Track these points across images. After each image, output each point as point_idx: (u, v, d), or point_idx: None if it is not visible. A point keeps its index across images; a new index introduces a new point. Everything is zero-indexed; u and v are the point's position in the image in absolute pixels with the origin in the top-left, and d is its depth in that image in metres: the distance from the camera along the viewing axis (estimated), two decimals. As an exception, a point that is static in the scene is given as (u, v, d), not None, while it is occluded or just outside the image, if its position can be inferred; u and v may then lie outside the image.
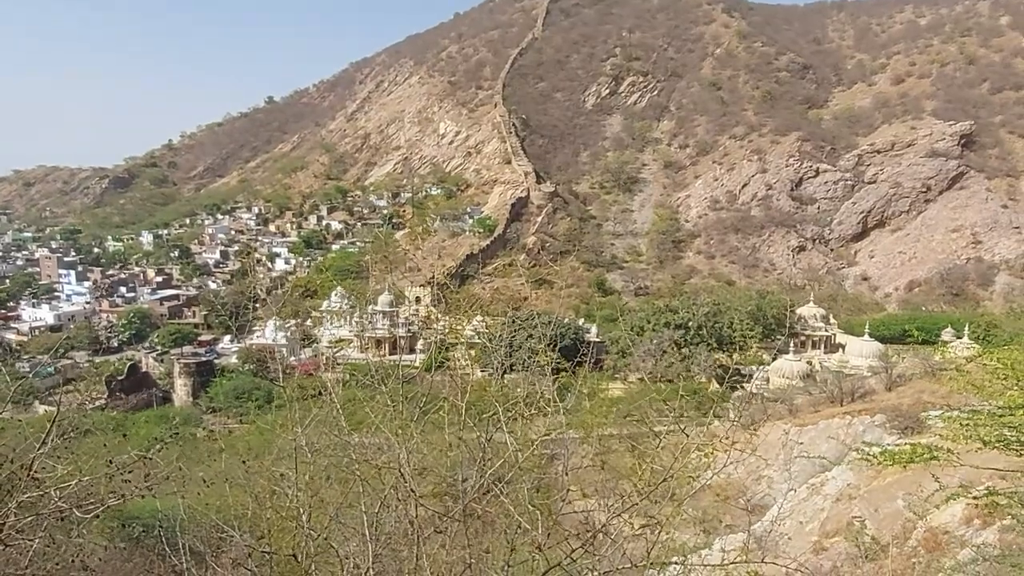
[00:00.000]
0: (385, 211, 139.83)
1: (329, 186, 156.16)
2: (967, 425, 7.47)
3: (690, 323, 69.02)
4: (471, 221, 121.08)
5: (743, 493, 36.67)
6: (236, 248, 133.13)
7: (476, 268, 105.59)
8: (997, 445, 7.14)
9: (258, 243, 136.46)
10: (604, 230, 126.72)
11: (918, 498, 18.38)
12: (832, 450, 33.65)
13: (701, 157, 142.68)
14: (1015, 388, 7.20)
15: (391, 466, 4.24)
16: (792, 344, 70.06)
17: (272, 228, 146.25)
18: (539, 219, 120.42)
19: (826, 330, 76.18)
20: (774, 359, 65.33)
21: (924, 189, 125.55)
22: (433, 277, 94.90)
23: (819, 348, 73.22)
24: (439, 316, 75.45)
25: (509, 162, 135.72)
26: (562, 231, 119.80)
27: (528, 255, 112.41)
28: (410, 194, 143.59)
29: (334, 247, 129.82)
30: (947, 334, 62.78)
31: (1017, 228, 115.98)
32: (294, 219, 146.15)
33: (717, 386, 60.57)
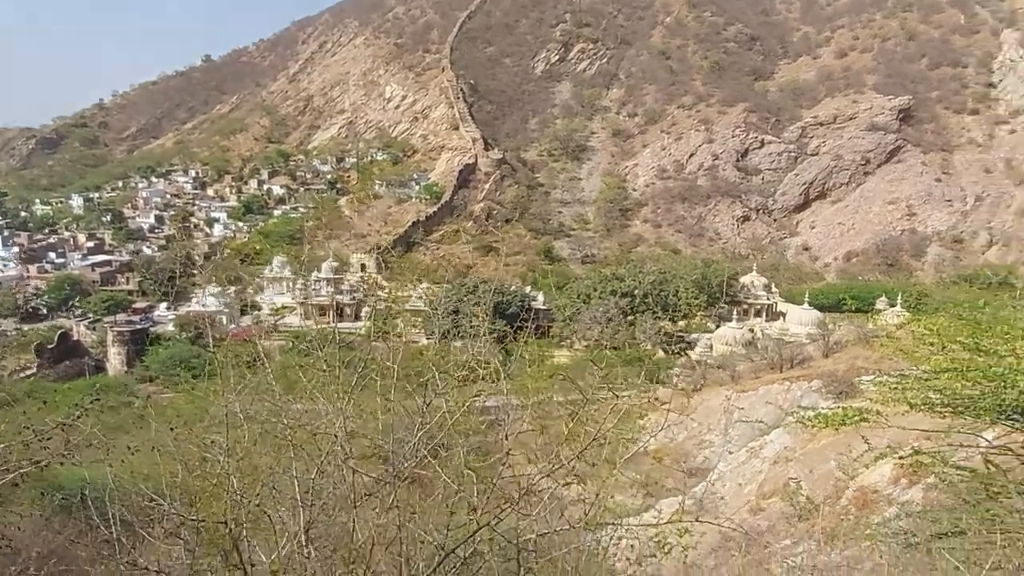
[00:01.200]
0: (329, 176, 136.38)
1: (270, 150, 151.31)
2: (895, 389, 7.50)
3: (636, 291, 69.53)
4: (417, 187, 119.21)
5: (685, 457, 37.27)
6: (172, 213, 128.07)
7: (422, 235, 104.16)
8: (923, 408, 7.22)
9: (195, 207, 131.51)
10: (552, 198, 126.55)
11: (849, 459, 18.81)
12: (771, 415, 34.37)
13: (649, 126, 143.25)
14: (940, 353, 7.13)
15: (326, 431, 3.93)
16: (735, 312, 71.49)
17: (210, 192, 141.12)
18: (487, 186, 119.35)
19: (768, 298, 77.90)
20: (718, 327, 66.51)
21: (864, 162, 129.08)
22: (378, 244, 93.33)
23: (761, 316, 74.89)
24: (384, 283, 74.25)
25: (457, 128, 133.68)
26: (510, 198, 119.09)
27: (475, 222, 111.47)
28: (355, 159, 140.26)
29: (276, 212, 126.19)
30: (881, 303, 64.89)
31: (949, 201, 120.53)
32: (233, 183, 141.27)
33: (662, 353, 61.36)
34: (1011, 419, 7.01)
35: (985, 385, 6.38)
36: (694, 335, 67.64)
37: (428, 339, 46.65)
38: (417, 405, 3.93)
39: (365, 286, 76.38)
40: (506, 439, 3.63)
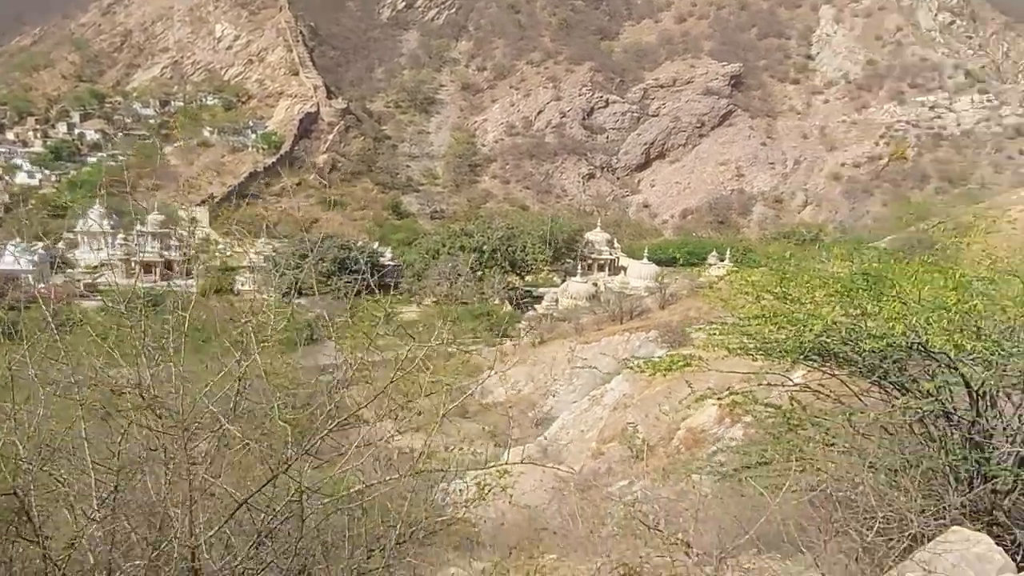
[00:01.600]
0: (152, 121, 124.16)
1: (82, 89, 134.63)
2: (714, 336, 7.89)
3: (485, 247, 70.22)
4: (254, 136, 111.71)
5: (532, 407, 38.68)
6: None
7: (261, 187, 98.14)
8: (739, 352, 7.71)
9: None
10: (400, 151, 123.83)
11: (674, 404, 20.39)
12: (612, 365, 36.31)
13: (499, 81, 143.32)
14: (753, 302, 7.71)
15: (135, 394, 3.50)
16: (580, 267, 74.34)
17: (10, 136, 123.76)
18: (330, 137, 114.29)
19: (611, 254, 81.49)
20: (563, 281, 68.92)
21: (699, 124, 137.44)
22: (211, 196, 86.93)
23: (604, 271, 78.31)
24: (218, 238, 69.56)
25: (296, 74, 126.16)
26: (355, 151, 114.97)
27: (319, 175, 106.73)
28: (182, 103, 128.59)
29: (91, 160, 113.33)
30: (712, 258, 70.08)
31: (772, 164, 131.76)
32: (38, 126, 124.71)
33: (510, 307, 62.78)
34: (810, 360, 7.69)
35: (788, 330, 6.95)
36: (541, 289, 69.75)
37: (268, 297, 44.39)
38: (241, 365, 3.65)
39: (197, 241, 71.10)
40: (330, 394, 3.43)
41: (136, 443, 3.59)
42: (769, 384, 8.35)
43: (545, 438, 30.65)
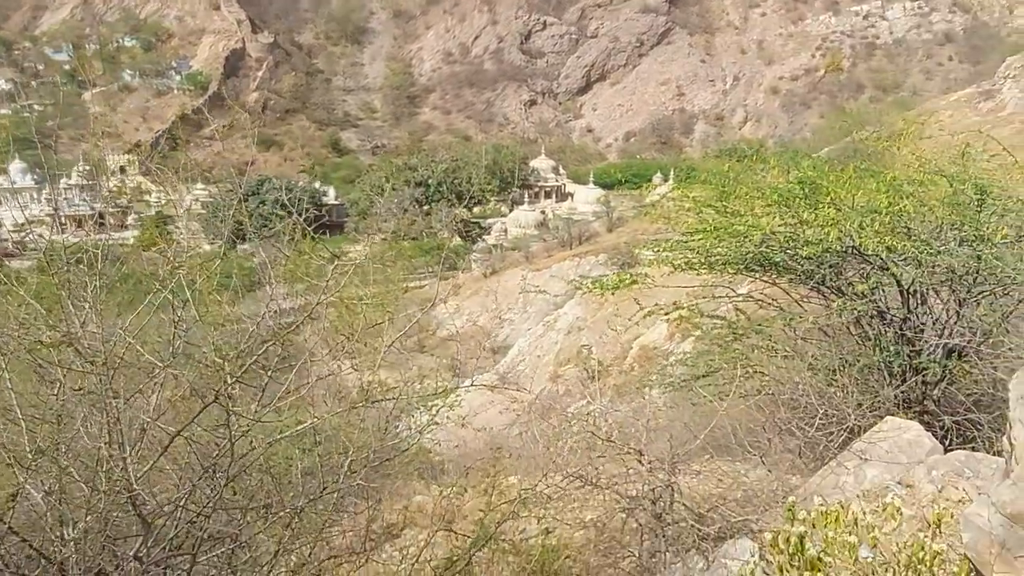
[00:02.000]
0: (67, 67, 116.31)
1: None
2: (659, 252, 8.05)
3: (430, 180, 69.18)
4: (179, 77, 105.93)
5: (488, 336, 39.15)
6: None
7: (191, 131, 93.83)
8: (684, 268, 7.80)
9: None
10: (334, 85, 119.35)
11: (628, 321, 20.85)
12: (564, 290, 36.78)
13: (431, 7, 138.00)
14: (694, 218, 7.81)
15: (64, 343, 3.37)
16: (527, 195, 74.10)
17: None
18: (259, 74, 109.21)
19: (557, 180, 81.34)
20: (511, 211, 68.71)
21: (638, 44, 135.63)
22: (139, 143, 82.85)
23: (551, 198, 78.28)
24: (151, 187, 66.71)
25: (217, 8, 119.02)
26: (287, 87, 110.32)
27: (251, 114, 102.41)
28: (97, 46, 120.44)
29: (2, 111, 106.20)
30: (657, 178, 70.54)
31: (712, 81, 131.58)
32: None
33: (460, 240, 62.50)
34: (752, 270, 7.88)
35: (730, 242, 7.09)
36: (489, 220, 69.41)
37: (210, 245, 43.18)
38: (179, 315, 3.55)
39: (128, 191, 68.14)
40: (275, 334, 3.37)
41: (72, 393, 3.50)
42: (715, 297, 8.58)
43: (503, 365, 31.18)
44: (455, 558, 3.51)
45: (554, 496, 5.08)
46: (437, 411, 3.63)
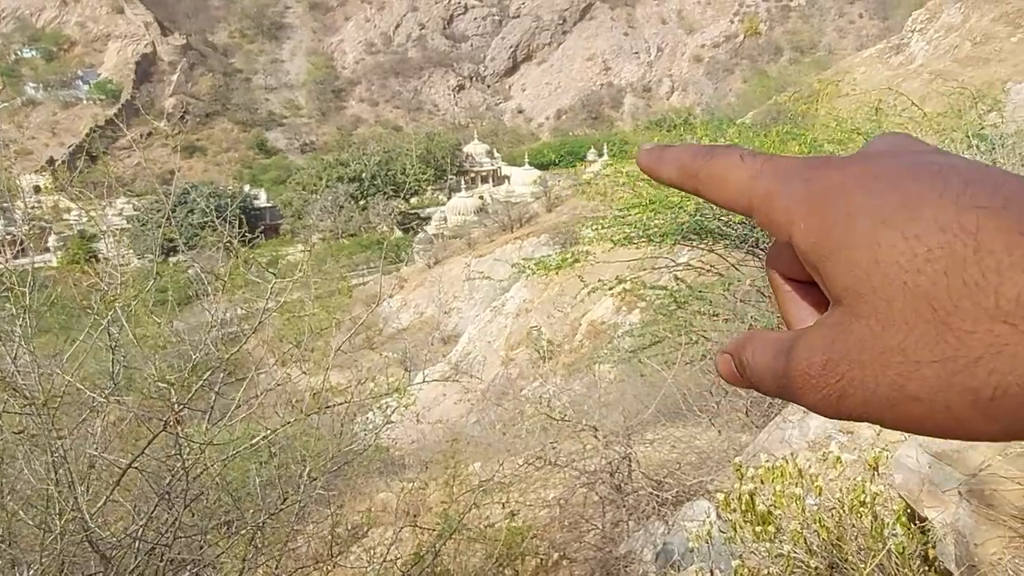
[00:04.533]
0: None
1: None
2: (598, 229, 8.18)
3: (363, 174, 68.14)
4: (87, 87, 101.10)
5: (437, 327, 39.03)
6: None
7: (107, 142, 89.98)
8: (623, 242, 7.93)
9: None
10: (255, 84, 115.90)
11: (573, 299, 21.19)
12: (508, 274, 36.86)
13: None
14: (629, 193, 7.95)
15: None
16: (463, 182, 73.72)
17: None
18: (174, 78, 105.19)
19: (492, 164, 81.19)
20: (449, 199, 68.30)
21: (561, 21, 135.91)
22: (51, 159, 78.95)
23: (488, 182, 78.09)
24: (70, 204, 63.78)
25: (121, 11, 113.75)
26: (205, 90, 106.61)
27: (169, 121, 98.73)
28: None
29: None
30: (591, 154, 71.16)
31: (636, 54, 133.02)
32: None
33: (400, 233, 61.88)
34: (689, 239, 8.08)
35: (665, 214, 7.26)
36: (428, 210, 68.92)
37: (140, 260, 41.64)
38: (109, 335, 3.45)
39: (46, 211, 64.96)
40: (216, 348, 3.31)
41: (7, 431, 3.38)
42: (655, 268, 8.78)
43: (455, 355, 31.16)
44: (423, 552, 3.54)
45: (516, 479, 5.16)
46: (392, 411, 3.64)
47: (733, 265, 8.27)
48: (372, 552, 3.88)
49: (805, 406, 0.36)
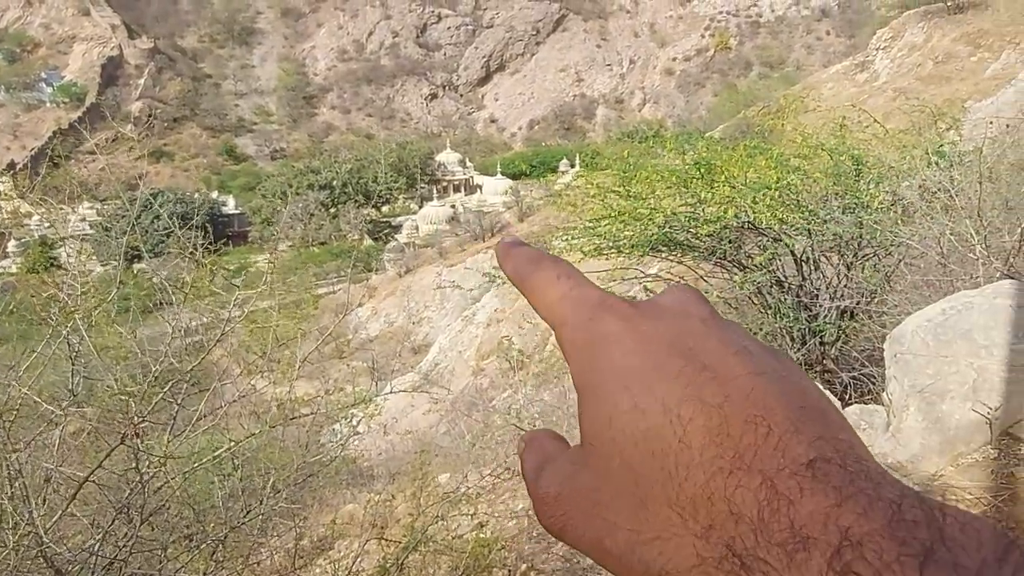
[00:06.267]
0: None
1: None
2: (569, 240, 8.24)
3: (334, 182, 67.69)
4: (50, 89, 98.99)
5: (407, 337, 38.80)
6: None
7: (71, 146, 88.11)
8: (594, 253, 7.98)
9: None
10: (224, 90, 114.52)
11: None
12: (480, 283, 36.87)
13: (321, 3, 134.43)
14: (600, 204, 8.01)
15: None
16: (435, 190, 73.63)
17: None
18: (141, 82, 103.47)
19: (464, 173, 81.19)
20: (421, 207, 68.12)
21: (535, 32, 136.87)
22: (11, 163, 77.08)
23: (460, 191, 78.10)
24: (31, 210, 62.20)
25: (88, 13, 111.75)
26: (173, 94, 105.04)
27: (136, 125, 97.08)
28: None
29: None
30: (563, 165, 71.62)
31: (609, 66, 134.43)
32: None
33: (371, 241, 61.51)
34: (657, 250, 8.16)
35: (635, 225, 7.32)
36: (399, 218, 68.63)
37: (103, 266, 40.82)
38: (73, 347, 3.36)
39: (6, 216, 63.30)
40: (180, 359, 3.25)
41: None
42: (625, 279, 8.84)
43: (425, 364, 30.98)
44: (387, 565, 3.50)
45: (484, 490, 5.13)
46: (358, 422, 3.60)
47: (701, 277, 8.37)
48: (337, 564, 3.83)
49: (539, 522, 0.40)
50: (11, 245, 59.61)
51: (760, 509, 0.31)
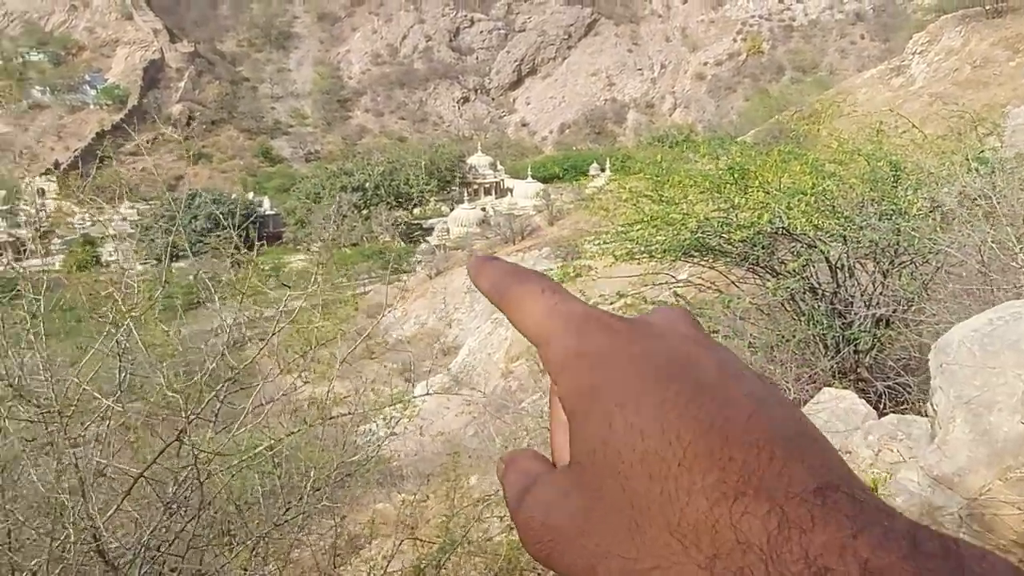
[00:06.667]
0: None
1: None
2: (599, 244, 8.23)
3: (367, 184, 68.37)
4: (94, 92, 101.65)
5: (438, 338, 39.00)
6: None
7: (114, 147, 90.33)
8: (625, 258, 7.97)
9: None
10: (261, 93, 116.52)
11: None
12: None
13: (357, 7, 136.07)
14: (633, 208, 8.00)
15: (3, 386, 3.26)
16: (466, 193, 73.90)
17: None
18: (181, 85, 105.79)
19: (495, 176, 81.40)
20: (451, 210, 68.46)
21: (566, 36, 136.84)
22: (56, 163, 79.35)
23: (491, 194, 78.31)
24: (75, 209, 63.92)
25: (131, 17, 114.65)
26: (212, 97, 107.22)
27: (176, 127, 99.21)
28: (0, 61, 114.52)
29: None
30: (594, 169, 71.38)
31: (640, 70, 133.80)
32: None
33: (402, 243, 62.00)
34: (690, 256, 8.12)
35: (667, 230, 7.30)
36: (430, 221, 69.07)
37: (143, 265, 41.75)
38: (118, 342, 3.47)
39: (50, 215, 65.18)
40: (222, 357, 3.35)
41: (14, 437, 3.40)
42: (656, 284, 8.82)
43: (455, 366, 31.12)
44: (423, 565, 3.54)
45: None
46: (396, 422, 3.65)
47: (733, 282, 8.32)
48: (373, 564, 3.87)
49: (524, 548, 0.38)
50: (55, 243, 61.35)
51: (770, 537, 0.29)
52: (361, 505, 6.54)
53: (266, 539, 3.02)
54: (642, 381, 0.35)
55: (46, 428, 2.40)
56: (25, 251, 61.32)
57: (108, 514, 2.35)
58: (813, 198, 6.73)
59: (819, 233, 6.80)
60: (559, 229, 46.15)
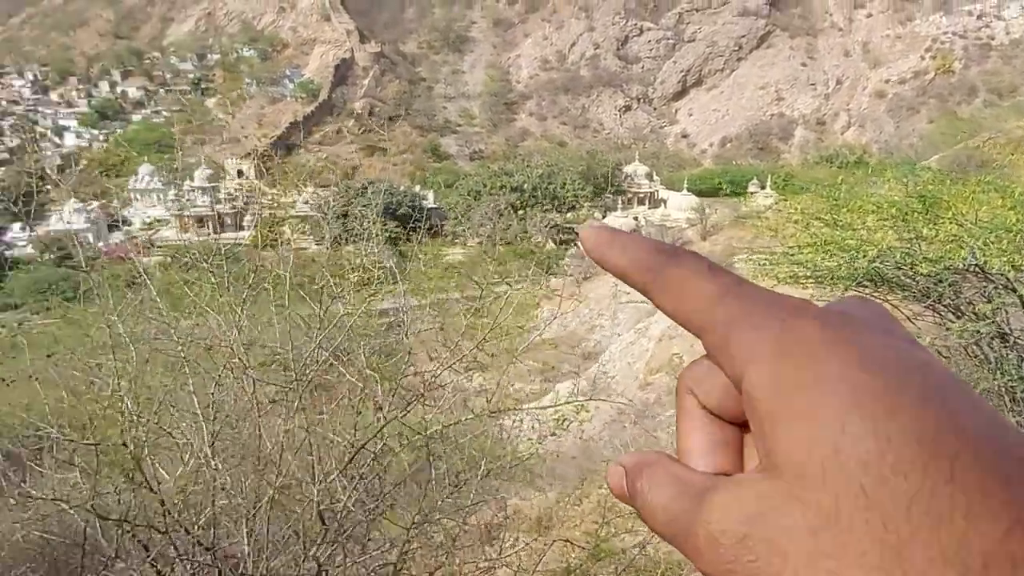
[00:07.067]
0: (192, 75, 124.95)
1: (120, 46, 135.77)
2: (763, 265, 7.97)
3: (525, 185, 69.89)
4: (292, 85, 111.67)
5: (579, 342, 39.16)
6: (11, 122, 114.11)
7: (302, 136, 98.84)
8: (789, 281, 7.70)
9: (39, 115, 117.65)
10: (435, 93, 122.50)
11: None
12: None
13: (530, 14, 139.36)
14: (803, 230, 7.69)
15: (221, 345, 3.81)
16: (620, 201, 73.49)
17: (54, 97, 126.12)
18: (366, 82, 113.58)
19: (650, 186, 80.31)
20: (604, 216, 68.34)
21: (736, 48, 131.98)
22: (255, 148, 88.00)
23: (644, 204, 77.36)
24: (266, 189, 70.65)
25: (328, 19, 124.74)
26: (391, 95, 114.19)
27: (357, 121, 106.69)
28: (219, 56, 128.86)
29: (135, 118, 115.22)
30: (753, 186, 68.46)
31: (813, 85, 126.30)
32: (81, 86, 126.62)
33: (553, 245, 62.78)
34: (862, 285, 7.70)
35: (840, 256, 6.96)
36: (582, 225, 69.19)
37: (317, 245, 45.36)
38: (313, 311, 3.90)
39: (245, 193, 72.44)
40: (406, 338, 3.67)
41: (230, 392, 3.89)
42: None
43: (593, 371, 31.10)
44: (571, 570, 3.63)
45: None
46: (565, 420, 3.77)
47: (908, 318, 7.76)
48: (520, 556, 3.99)
49: (697, 568, 0.32)
50: (247, 219, 68.08)
51: None
52: (495, 499, 6.78)
53: (428, 517, 3.24)
54: (885, 381, 0.30)
55: (286, 394, 2.77)
56: (222, 223, 68.66)
57: (331, 477, 2.68)
58: (1016, 236, 6.14)
59: (1018, 275, 6.20)
60: (711, 244, 44.77)
